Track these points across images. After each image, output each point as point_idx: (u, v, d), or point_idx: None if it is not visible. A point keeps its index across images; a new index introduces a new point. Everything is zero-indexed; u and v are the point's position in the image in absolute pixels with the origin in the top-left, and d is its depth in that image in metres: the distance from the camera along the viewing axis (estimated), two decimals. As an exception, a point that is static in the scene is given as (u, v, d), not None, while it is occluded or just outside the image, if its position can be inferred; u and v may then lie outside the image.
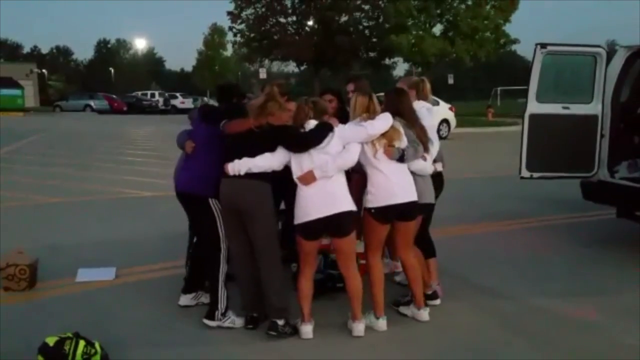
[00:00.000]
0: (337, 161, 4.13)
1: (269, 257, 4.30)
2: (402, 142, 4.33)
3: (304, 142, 4.16)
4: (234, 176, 4.18)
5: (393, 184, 4.29)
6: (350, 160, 4.21)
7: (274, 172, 4.25)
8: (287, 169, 4.26)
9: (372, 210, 4.32)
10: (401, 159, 4.29)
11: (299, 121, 4.22)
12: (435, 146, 4.75)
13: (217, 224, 4.43)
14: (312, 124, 4.19)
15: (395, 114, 4.41)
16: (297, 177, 4.14)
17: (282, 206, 5.18)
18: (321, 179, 4.09)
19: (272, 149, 4.21)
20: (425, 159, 4.55)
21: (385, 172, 4.28)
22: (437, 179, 4.92)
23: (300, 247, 4.25)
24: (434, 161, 4.80)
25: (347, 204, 4.16)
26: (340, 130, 4.21)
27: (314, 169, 4.09)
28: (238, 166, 4.17)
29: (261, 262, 4.32)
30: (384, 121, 4.29)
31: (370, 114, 4.30)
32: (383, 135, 4.27)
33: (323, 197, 4.09)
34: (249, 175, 4.17)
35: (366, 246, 4.52)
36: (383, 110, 4.41)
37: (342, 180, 4.20)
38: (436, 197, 4.87)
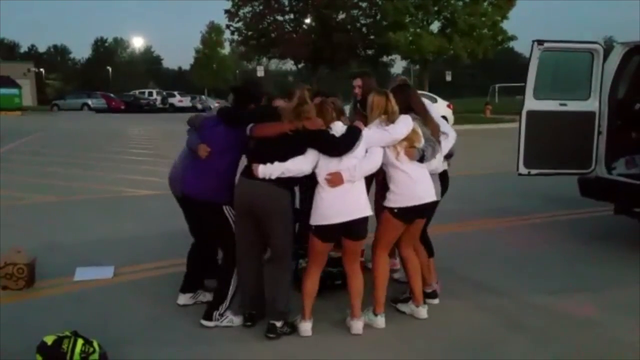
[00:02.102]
0: (363, 166, 4.14)
1: (284, 262, 4.31)
2: (421, 143, 4.35)
3: (341, 147, 4.12)
4: (258, 179, 4.14)
5: (416, 185, 4.32)
6: (376, 165, 4.24)
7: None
8: None
9: (395, 210, 4.32)
10: (421, 159, 4.31)
11: (327, 123, 4.20)
12: (450, 138, 4.77)
13: (232, 229, 4.41)
14: (338, 125, 4.19)
15: (407, 111, 4.42)
16: (325, 177, 4.11)
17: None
18: (346, 182, 4.09)
19: (303, 152, 4.17)
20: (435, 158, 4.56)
21: (408, 172, 4.29)
22: (444, 176, 4.92)
23: (313, 246, 4.24)
24: (449, 155, 4.83)
25: (367, 210, 4.19)
26: (366, 133, 4.22)
27: (342, 171, 4.08)
28: (270, 170, 4.11)
29: (276, 266, 4.33)
30: (406, 124, 4.29)
31: (389, 114, 4.29)
32: (404, 137, 4.28)
33: (345, 201, 4.09)
34: (274, 181, 4.13)
35: (377, 243, 4.51)
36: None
37: (362, 185, 4.22)
38: (442, 195, 4.87)
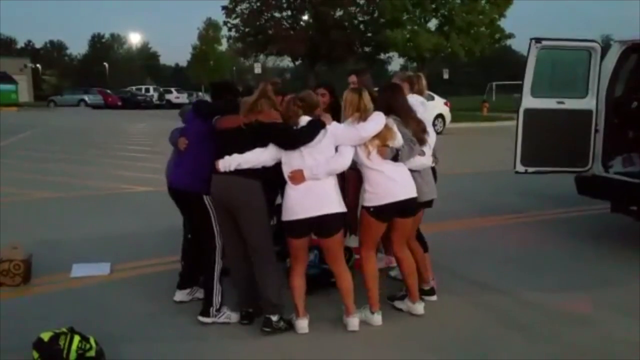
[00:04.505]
0: (329, 165, 4.11)
1: (262, 254, 4.29)
2: (397, 141, 4.27)
3: (293, 139, 4.11)
4: (225, 173, 4.17)
5: (391, 182, 4.26)
6: (343, 165, 4.19)
7: (265, 168, 4.23)
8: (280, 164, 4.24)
9: (371, 209, 4.29)
10: (395, 158, 4.25)
11: (289, 119, 4.18)
12: (431, 138, 4.72)
13: (212, 220, 4.42)
14: (304, 120, 4.16)
15: (388, 112, 4.36)
16: (287, 175, 4.13)
17: (278, 201, 5.16)
18: (308, 180, 4.07)
19: (262, 146, 4.18)
20: (424, 154, 4.53)
21: (382, 170, 4.24)
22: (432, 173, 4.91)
23: (289, 243, 4.25)
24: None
25: (334, 206, 4.14)
26: (334, 129, 4.17)
27: (304, 169, 4.07)
28: (228, 162, 4.15)
29: (254, 258, 4.31)
30: (376, 122, 4.22)
31: (362, 112, 4.23)
32: (376, 135, 4.21)
33: (310, 197, 4.07)
34: (239, 172, 4.15)
35: (361, 243, 4.51)
36: (376, 108, 4.34)
37: (331, 181, 4.17)
38: None
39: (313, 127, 4.11)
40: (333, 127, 4.17)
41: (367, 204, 4.33)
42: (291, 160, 4.12)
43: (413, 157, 4.41)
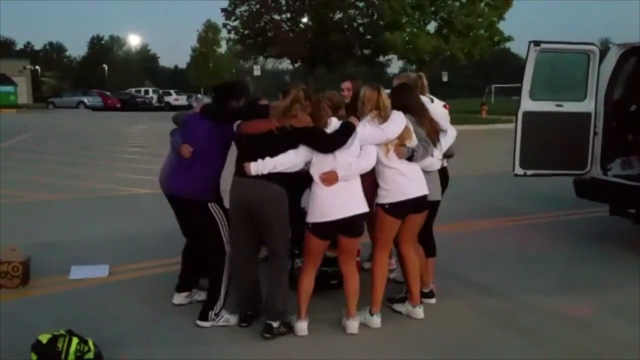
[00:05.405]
0: (360, 165, 4.14)
1: (281, 261, 4.29)
2: (413, 141, 4.33)
3: (331, 144, 4.11)
4: (253, 176, 4.12)
5: (406, 179, 4.31)
6: (370, 164, 4.23)
7: (294, 173, 4.21)
8: None
9: (386, 206, 4.32)
10: (410, 158, 4.30)
11: (320, 119, 4.17)
12: (449, 136, 4.74)
13: (220, 227, 4.40)
14: (334, 122, 4.18)
15: (404, 112, 4.40)
16: (320, 176, 4.11)
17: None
18: (341, 180, 4.08)
19: (293, 148, 4.17)
20: (432, 156, 4.55)
21: (397, 167, 4.29)
22: (443, 174, 4.92)
23: (309, 244, 4.23)
24: (449, 155, 4.86)
25: (362, 206, 4.18)
26: (360, 130, 4.20)
27: (338, 170, 4.08)
28: (262, 166, 4.10)
29: (272, 265, 4.31)
30: (399, 122, 4.29)
31: (381, 110, 4.28)
32: None
33: (341, 198, 4.09)
34: (267, 177, 4.12)
35: (376, 242, 4.53)
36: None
37: (358, 181, 4.21)
38: (442, 192, 4.88)
39: (347, 130, 4.14)
40: (360, 129, 4.21)
41: (382, 201, 4.35)
42: (322, 162, 4.12)
43: (427, 157, 4.44)
